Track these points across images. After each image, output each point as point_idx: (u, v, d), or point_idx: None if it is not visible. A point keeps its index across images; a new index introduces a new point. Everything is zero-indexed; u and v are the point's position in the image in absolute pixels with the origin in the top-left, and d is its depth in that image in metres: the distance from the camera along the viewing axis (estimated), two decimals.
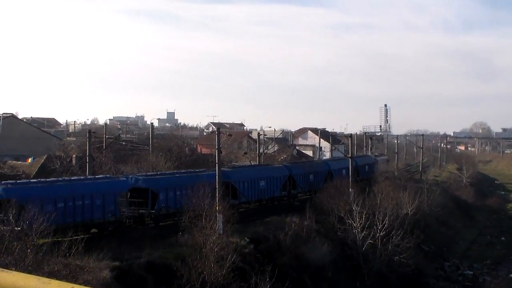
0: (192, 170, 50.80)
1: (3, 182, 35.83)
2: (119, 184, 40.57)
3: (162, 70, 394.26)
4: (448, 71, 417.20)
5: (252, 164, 70.71)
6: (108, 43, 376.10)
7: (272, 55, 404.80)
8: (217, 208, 37.18)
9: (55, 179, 40.24)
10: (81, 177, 42.49)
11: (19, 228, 25.34)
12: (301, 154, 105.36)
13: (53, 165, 54.93)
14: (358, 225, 46.04)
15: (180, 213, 38.82)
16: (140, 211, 41.38)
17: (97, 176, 42.71)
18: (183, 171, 51.84)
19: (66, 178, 42.02)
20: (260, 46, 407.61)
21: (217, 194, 38.72)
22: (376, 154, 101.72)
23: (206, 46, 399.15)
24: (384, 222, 46.34)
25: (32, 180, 39.91)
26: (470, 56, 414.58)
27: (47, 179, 39.34)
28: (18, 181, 38.59)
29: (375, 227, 46.41)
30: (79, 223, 35.83)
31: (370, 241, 45.74)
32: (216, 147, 41.30)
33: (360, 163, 76.34)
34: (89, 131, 50.36)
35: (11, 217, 25.49)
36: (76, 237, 30.38)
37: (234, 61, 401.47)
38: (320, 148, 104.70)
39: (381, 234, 46.02)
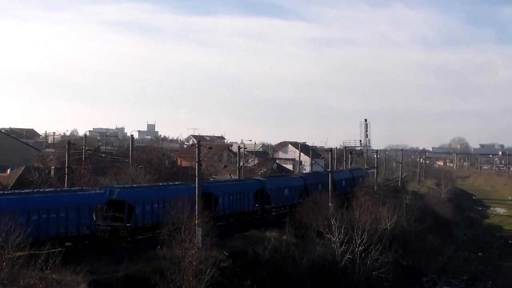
0: (171, 183, 50.47)
1: None
2: (95, 197, 40.02)
3: (143, 82, 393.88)
4: (428, 87, 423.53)
5: (231, 177, 70.72)
6: (88, 54, 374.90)
7: (253, 68, 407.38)
8: (196, 221, 37.05)
9: (30, 190, 39.73)
10: (57, 189, 41.84)
11: None
12: (281, 168, 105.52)
13: (31, 177, 54.42)
14: (337, 239, 46.11)
15: (158, 227, 38.50)
16: (116, 224, 40.68)
17: (73, 188, 42.21)
18: (160, 184, 51.39)
19: (41, 190, 41.45)
20: (241, 59, 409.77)
21: (196, 207, 38.62)
22: (366, 167, 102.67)
23: (188, 58, 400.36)
24: (363, 237, 46.44)
25: (5, 192, 39.06)
26: (449, 73, 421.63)
27: (21, 191, 38.81)
28: None
29: (354, 241, 46.50)
30: (54, 236, 34.90)
31: (349, 255, 45.79)
32: (196, 160, 41.24)
33: (337, 177, 75.78)
34: (68, 143, 49.96)
35: None
36: (54, 250, 30.00)
37: (215, 74, 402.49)
38: (300, 162, 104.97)
39: (360, 248, 46.10)
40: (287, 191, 62.95)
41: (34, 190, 39.81)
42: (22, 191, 38.77)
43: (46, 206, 35.28)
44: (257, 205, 57.33)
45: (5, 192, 38.95)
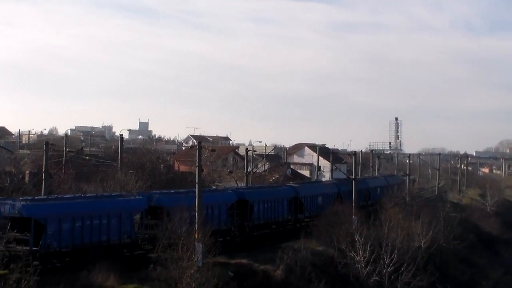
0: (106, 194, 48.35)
1: None
2: (135, 203, 42.88)
3: (134, 73, 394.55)
4: (470, 80, 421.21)
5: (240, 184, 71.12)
6: (69, 40, 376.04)
7: (265, 58, 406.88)
8: (196, 236, 37.21)
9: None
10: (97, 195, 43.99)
11: None
12: (296, 174, 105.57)
13: (2, 183, 54.80)
14: (362, 259, 46.18)
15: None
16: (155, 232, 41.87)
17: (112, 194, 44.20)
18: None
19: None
20: (250, 47, 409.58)
21: (196, 220, 38.81)
22: (402, 173, 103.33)
23: (187, 46, 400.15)
24: (392, 256, 46.49)
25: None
26: (496, 63, 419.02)
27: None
28: None
29: (381, 261, 46.54)
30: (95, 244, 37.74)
31: (376, 278, 45.86)
32: (197, 164, 41.40)
33: (372, 184, 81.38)
34: (46, 143, 50.37)
35: None
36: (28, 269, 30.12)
37: (220, 64, 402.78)
38: (319, 167, 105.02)
39: (389, 270, 46.16)
40: (321, 199, 65.70)
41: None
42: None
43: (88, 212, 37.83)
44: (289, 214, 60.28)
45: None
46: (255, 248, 48.46)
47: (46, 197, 43.96)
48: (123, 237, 40.64)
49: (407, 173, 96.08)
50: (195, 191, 41.58)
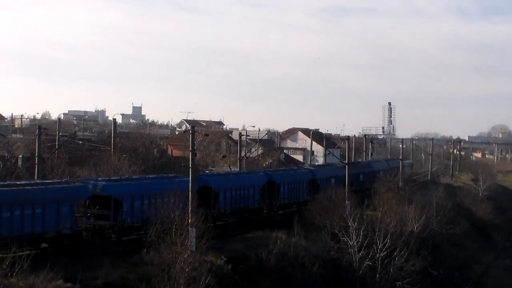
0: (165, 175, 51.01)
1: None
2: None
3: (127, 57, 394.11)
4: (463, 65, 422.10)
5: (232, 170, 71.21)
6: (61, 24, 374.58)
7: (258, 42, 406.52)
8: (189, 220, 37.17)
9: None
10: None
11: None
12: (289, 159, 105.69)
13: None
14: (355, 243, 46.27)
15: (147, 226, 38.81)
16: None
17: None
18: (152, 176, 51.65)
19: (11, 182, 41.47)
20: (243, 31, 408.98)
21: (189, 204, 38.74)
22: (400, 158, 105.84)
23: (180, 30, 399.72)
24: (385, 241, 46.59)
25: None
26: (490, 48, 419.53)
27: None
28: None
29: (374, 246, 46.65)
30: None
31: (369, 262, 45.96)
32: (190, 148, 41.30)
33: (376, 168, 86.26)
34: (39, 127, 50.16)
35: None
36: (21, 253, 30.18)
37: (213, 48, 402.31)
38: (312, 152, 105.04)
39: (382, 254, 46.27)
40: (333, 180, 67.68)
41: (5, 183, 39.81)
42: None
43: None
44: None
45: None
46: (283, 224, 49.70)
47: (120, 177, 48.93)
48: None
49: (400, 157, 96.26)
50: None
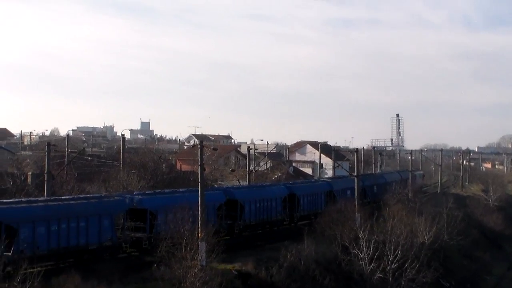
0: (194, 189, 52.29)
1: None
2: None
3: (135, 73, 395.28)
4: (471, 76, 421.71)
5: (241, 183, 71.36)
6: (69, 41, 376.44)
7: (264, 56, 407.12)
8: (199, 235, 37.17)
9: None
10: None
11: None
12: (298, 172, 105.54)
13: (5, 184, 54.74)
14: (366, 255, 46.10)
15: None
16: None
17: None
18: (183, 189, 53.04)
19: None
20: (250, 45, 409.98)
21: (199, 219, 38.77)
22: (412, 169, 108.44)
23: (188, 45, 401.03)
24: (396, 253, 46.42)
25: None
26: (497, 58, 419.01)
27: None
28: None
29: (385, 258, 46.47)
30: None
31: (380, 274, 45.77)
32: (199, 163, 41.37)
33: (389, 179, 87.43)
34: (48, 144, 50.23)
35: None
36: (32, 270, 30.17)
37: (220, 63, 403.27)
38: (321, 165, 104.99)
39: (393, 266, 46.10)
40: (349, 192, 68.78)
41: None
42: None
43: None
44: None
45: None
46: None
47: (153, 191, 50.52)
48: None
49: (410, 169, 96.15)
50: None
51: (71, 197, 43.82)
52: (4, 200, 39.60)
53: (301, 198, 62.37)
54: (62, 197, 42.98)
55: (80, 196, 45.32)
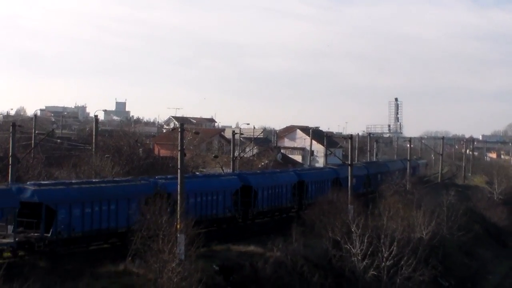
0: (211, 174, 62.21)
1: None
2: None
3: (110, 48, 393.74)
4: (477, 58, 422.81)
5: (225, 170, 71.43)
6: (38, 11, 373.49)
7: (253, 33, 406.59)
8: (178, 226, 37.20)
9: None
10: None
11: None
12: (287, 159, 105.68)
13: None
14: (359, 251, 46.29)
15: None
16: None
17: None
18: (200, 174, 60.57)
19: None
20: (238, 21, 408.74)
21: (178, 209, 38.77)
22: (415, 157, 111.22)
23: (168, 19, 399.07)
24: (391, 249, 46.61)
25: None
26: (506, 38, 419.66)
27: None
28: None
29: (380, 254, 46.69)
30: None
31: (374, 272, 45.99)
32: (179, 148, 41.30)
33: (392, 167, 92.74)
34: (13, 124, 50.08)
35: None
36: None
37: (204, 39, 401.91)
38: (312, 152, 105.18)
39: (388, 263, 46.29)
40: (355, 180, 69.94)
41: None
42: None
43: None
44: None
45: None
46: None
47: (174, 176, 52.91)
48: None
49: (408, 158, 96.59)
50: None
51: (101, 179, 47.73)
52: (42, 182, 43.77)
53: (309, 185, 65.97)
54: (94, 180, 47.20)
55: (110, 179, 48.68)
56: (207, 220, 48.16)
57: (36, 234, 37.29)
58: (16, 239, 35.75)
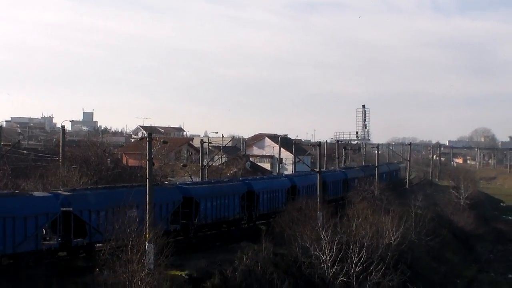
0: (227, 179, 67.78)
1: None
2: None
3: (77, 59, 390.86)
4: (441, 65, 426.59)
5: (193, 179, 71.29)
6: (3, 19, 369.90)
7: (220, 42, 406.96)
8: (147, 235, 37.02)
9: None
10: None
11: None
12: (256, 167, 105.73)
13: None
14: (328, 258, 46.41)
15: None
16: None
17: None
18: (214, 180, 67.04)
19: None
20: (204, 30, 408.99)
21: (147, 218, 38.59)
22: (397, 161, 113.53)
23: (134, 29, 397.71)
24: (360, 255, 46.83)
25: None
26: (468, 46, 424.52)
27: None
28: None
29: (349, 260, 46.85)
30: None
31: (343, 278, 46.16)
32: (147, 157, 41.17)
33: (382, 170, 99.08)
34: None
35: None
36: None
37: (171, 49, 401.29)
38: (281, 159, 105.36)
39: (357, 269, 46.49)
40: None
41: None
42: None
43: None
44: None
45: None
46: None
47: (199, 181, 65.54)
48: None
49: (376, 164, 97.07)
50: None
51: (217, 179, 65.52)
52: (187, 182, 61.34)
53: (301, 190, 69.51)
54: (212, 180, 64.00)
55: (214, 180, 63.41)
56: (220, 221, 55.79)
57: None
58: None
